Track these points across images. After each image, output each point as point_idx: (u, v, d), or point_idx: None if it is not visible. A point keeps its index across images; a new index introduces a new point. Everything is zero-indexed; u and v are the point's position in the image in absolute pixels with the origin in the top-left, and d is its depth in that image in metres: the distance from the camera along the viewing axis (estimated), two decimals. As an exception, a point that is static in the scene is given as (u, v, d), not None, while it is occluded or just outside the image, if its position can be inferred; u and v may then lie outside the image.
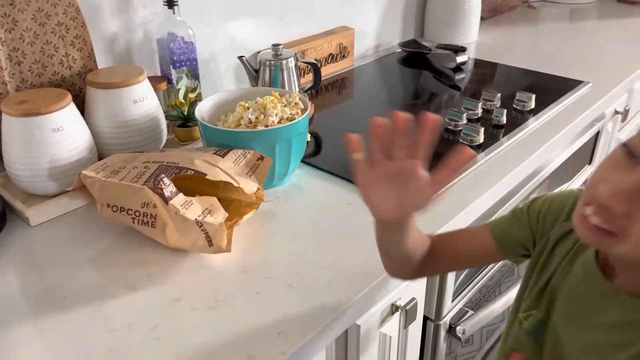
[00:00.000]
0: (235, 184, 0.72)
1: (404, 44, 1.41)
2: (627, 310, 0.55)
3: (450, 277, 0.82)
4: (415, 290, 0.77)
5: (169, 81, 0.97)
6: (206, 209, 0.69)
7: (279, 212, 0.79)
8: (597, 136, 1.20)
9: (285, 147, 0.80)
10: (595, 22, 1.75)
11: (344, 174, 0.87)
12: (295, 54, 1.04)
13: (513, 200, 0.95)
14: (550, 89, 1.17)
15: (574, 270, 0.62)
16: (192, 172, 0.72)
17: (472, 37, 1.51)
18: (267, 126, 0.80)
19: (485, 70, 1.35)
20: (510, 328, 0.70)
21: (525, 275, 0.71)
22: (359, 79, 1.32)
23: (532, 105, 1.08)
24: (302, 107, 0.85)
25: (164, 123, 0.90)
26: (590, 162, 1.24)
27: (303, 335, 0.59)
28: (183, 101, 0.97)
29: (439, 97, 1.23)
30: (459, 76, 1.29)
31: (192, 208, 0.68)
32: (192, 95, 0.98)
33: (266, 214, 0.79)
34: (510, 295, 0.96)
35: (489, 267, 0.95)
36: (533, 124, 1.03)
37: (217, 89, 1.12)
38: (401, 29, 1.50)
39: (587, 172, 1.24)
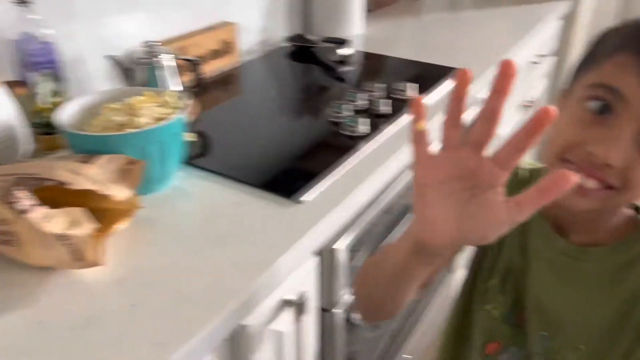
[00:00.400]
0: (104, 192, 0.68)
1: (289, 39, 1.41)
2: (599, 261, 0.58)
3: (343, 264, 0.83)
4: (305, 282, 0.76)
5: (27, 85, 0.89)
6: (71, 220, 0.64)
7: (159, 218, 0.75)
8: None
9: (159, 149, 0.76)
10: (473, 12, 1.85)
11: (230, 172, 0.85)
12: (172, 50, 1.00)
13: (398, 181, 0.97)
14: (429, 77, 1.22)
15: (531, 244, 0.63)
16: (54, 182, 0.66)
17: (358, 29, 1.54)
18: (136, 128, 0.76)
19: (371, 62, 1.38)
20: (466, 320, 0.69)
21: (472, 267, 0.70)
22: (246, 75, 1.30)
23: (412, 93, 1.11)
24: (178, 106, 0.82)
25: (22, 132, 0.83)
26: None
27: (180, 344, 0.56)
28: (46, 106, 0.90)
29: (326, 90, 1.24)
30: (344, 69, 1.31)
31: (55, 221, 0.62)
32: (55, 100, 0.91)
33: (145, 221, 0.74)
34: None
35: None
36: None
37: (88, 91, 1.05)
38: (287, 23, 1.49)
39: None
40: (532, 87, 1.83)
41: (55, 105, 0.91)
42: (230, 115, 1.09)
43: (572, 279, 0.61)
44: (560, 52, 2.01)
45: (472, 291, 0.69)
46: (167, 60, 0.98)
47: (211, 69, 1.23)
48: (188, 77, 1.05)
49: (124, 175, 0.72)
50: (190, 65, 1.04)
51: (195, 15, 1.23)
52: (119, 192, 0.69)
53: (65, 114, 0.79)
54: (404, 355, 1.30)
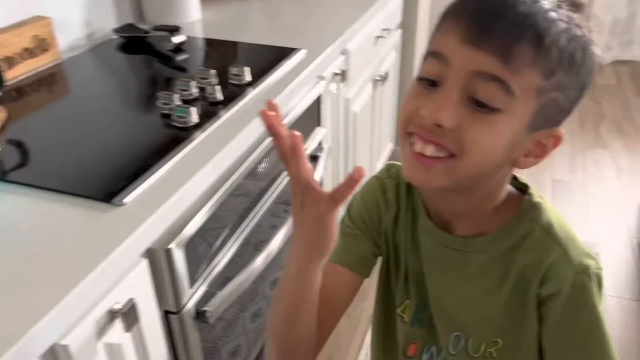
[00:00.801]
0: None
1: (118, 30, 1.31)
2: (483, 250, 0.58)
3: (180, 262, 0.79)
4: (134, 290, 0.71)
5: None
6: None
7: (-50, 244, 0.66)
8: (319, 99, 1.28)
9: (-57, 165, 0.67)
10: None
11: (41, 182, 0.77)
12: (-39, 53, 0.88)
13: (244, 167, 0.95)
14: (268, 59, 1.21)
15: (421, 244, 0.63)
16: None
17: (195, 15, 1.48)
18: None
19: (211, 48, 1.34)
20: (387, 328, 0.69)
21: (381, 275, 0.69)
22: (70, 73, 1.19)
23: (248, 77, 1.09)
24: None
25: None
26: (319, 124, 1.32)
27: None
28: None
29: (161, 81, 1.17)
30: (180, 57, 1.25)
31: None
32: None
33: None
34: (259, 262, 0.97)
35: (228, 245, 0.95)
36: (251, 95, 1.04)
37: None
38: (116, 13, 1.39)
39: (320, 133, 1.32)
40: (382, 61, 1.89)
41: None
42: (49, 119, 0.99)
43: (464, 273, 0.61)
44: (405, 24, 2.10)
45: (385, 298, 0.70)
46: (-43, 64, 0.86)
47: (25, 70, 1.11)
48: (-9, 81, 0.94)
49: None
50: (-10, 67, 0.92)
51: (0, 11, 1.10)
52: None
53: None
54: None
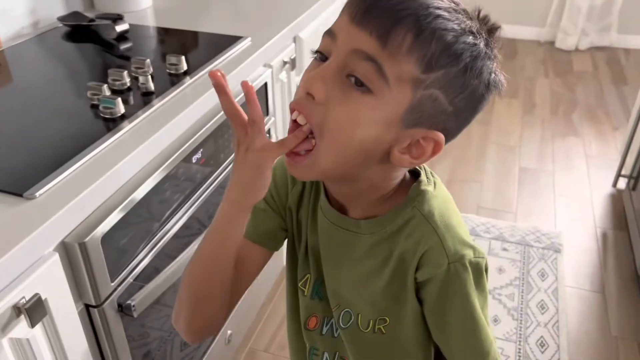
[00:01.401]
0: None
1: (63, 18, 1.29)
2: (371, 232, 0.59)
3: (98, 256, 0.78)
4: (45, 285, 0.71)
5: None
6: None
7: None
8: (266, 87, 1.27)
9: None
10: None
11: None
12: None
13: (175, 157, 0.94)
14: (211, 48, 1.20)
15: (319, 223, 0.64)
16: None
17: (145, 2, 1.46)
18: None
19: (156, 37, 1.32)
20: (295, 301, 0.70)
21: (288, 250, 0.71)
22: (14, 62, 1.17)
23: (185, 66, 1.08)
24: None
25: None
26: (267, 113, 1.32)
27: None
28: None
29: (104, 69, 1.16)
30: (124, 46, 1.23)
31: None
32: None
33: None
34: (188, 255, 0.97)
35: (156, 238, 0.95)
36: (187, 84, 1.03)
37: None
38: (63, 2, 1.37)
39: (269, 122, 1.32)
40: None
41: None
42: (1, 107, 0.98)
43: (352, 253, 0.62)
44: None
45: (290, 272, 0.71)
46: None
47: (-41, 59, 1.10)
48: None
49: None
50: None
51: None
52: None
53: None
54: (228, 331, 1.31)
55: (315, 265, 0.68)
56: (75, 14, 1.31)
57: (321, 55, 0.53)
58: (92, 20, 1.27)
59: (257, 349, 1.49)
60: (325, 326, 0.70)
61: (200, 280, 0.62)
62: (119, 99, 0.91)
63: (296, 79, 1.45)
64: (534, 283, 1.71)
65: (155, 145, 0.89)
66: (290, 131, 0.54)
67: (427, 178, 0.61)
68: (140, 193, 0.86)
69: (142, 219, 0.89)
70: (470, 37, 0.51)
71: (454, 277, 0.56)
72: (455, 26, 0.50)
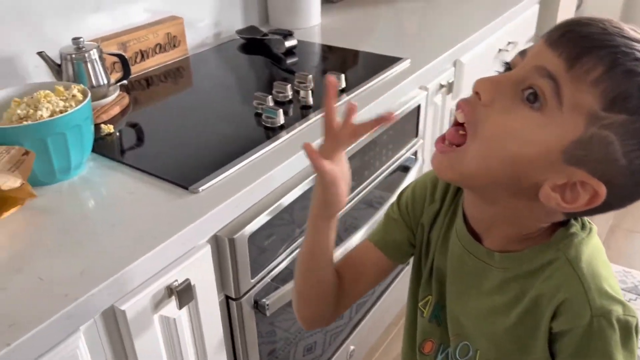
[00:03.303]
0: (-9, 181, 0.71)
1: (241, 31, 1.42)
2: (504, 267, 0.57)
3: (243, 253, 0.84)
4: (195, 272, 0.78)
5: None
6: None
7: (56, 207, 0.79)
8: (418, 109, 1.26)
9: (60, 140, 0.79)
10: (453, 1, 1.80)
11: (137, 163, 0.88)
12: (99, 46, 1.03)
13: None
14: (369, 67, 1.22)
15: (451, 246, 0.64)
16: (-59, 171, 0.70)
17: (315, 20, 1.54)
18: (35, 120, 0.79)
19: (319, 54, 1.39)
20: (414, 322, 0.71)
21: (413, 267, 0.71)
22: (196, 68, 1.32)
23: (343, 84, 1.12)
24: (81, 99, 0.84)
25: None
26: (417, 135, 1.30)
27: (34, 325, 0.59)
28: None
29: (270, 81, 1.25)
30: (290, 60, 1.32)
31: None
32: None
33: (41, 210, 0.78)
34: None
35: (298, 241, 0.99)
36: (343, 100, 1.07)
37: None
38: (243, 16, 1.51)
39: (416, 144, 1.31)
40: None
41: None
42: (163, 108, 1.12)
43: (480, 284, 0.60)
44: (538, 39, 1.96)
45: (413, 290, 0.71)
46: (94, 55, 1.01)
47: (155, 63, 1.26)
48: (119, 72, 1.08)
49: (16, 165, 0.75)
50: (120, 60, 1.07)
51: (141, 10, 1.26)
52: (9, 181, 0.73)
53: (-21, 108, 0.84)
54: (351, 346, 1.32)
55: (439, 288, 0.65)
56: (251, 28, 1.43)
57: (507, 66, 0.53)
58: (265, 34, 1.38)
59: (376, 369, 1.48)
60: (440, 354, 0.67)
61: (300, 280, 0.68)
62: (281, 111, 0.98)
63: (451, 103, 1.42)
64: None
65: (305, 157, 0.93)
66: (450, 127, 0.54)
67: (581, 224, 0.56)
68: (288, 199, 0.91)
69: (285, 223, 0.94)
70: None
71: (597, 333, 0.50)
72: None
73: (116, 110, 1.04)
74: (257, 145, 0.92)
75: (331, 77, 0.57)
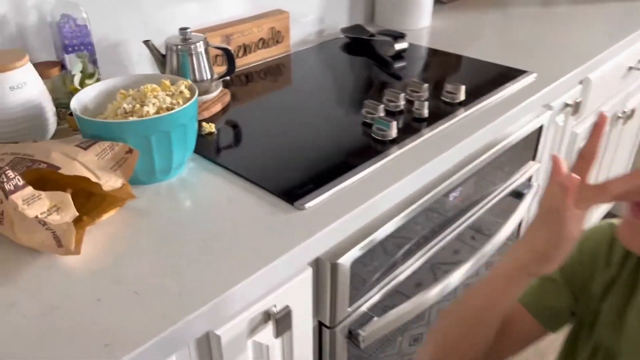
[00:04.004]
0: (93, 179, 0.67)
1: (346, 30, 1.34)
2: None
3: (344, 279, 0.76)
4: (293, 297, 0.71)
5: (63, 66, 0.91)
6: (54, 205, 0.63)
7: (154, 210, 0.74)
8: (540, 130, 1.13)
9: (164, 139, 0.74)
10: (568, 7, 1.64)
11: (237, 167, 0.81)
12: (205, 38, 0.98)
13: (431, 196, 0.88)
14: (490, 79, 1.10)
15: (629, 323, 0.53)
16: (45, 165, 0.66)
17: (425, 22, 1.43)
18: (141, 117, 0.74)
19: (430, 59, 1.28)
20: None
21: (567, 341, 0.61)
22: (293, 66, 1.25)
23: (462, 96, 1.00)
24: (188, 95, 0.79)
25: (50, 111, 0.85)
26: (534, 158, 1.17)
27: (130, 349, 0.53)
28: (79, 87, 0.92)
29: (373, 87, 1.16)
30: (398, 64, 1.22)
31: (37, 204, 0.62)
32: (89, 82, 0.92)
33: (139, 212, 0.73)
34: (425, 298, 0.90)
35: (400, 270, 0.89)
36: (460, 116, 0.96)
37: (123, 75, 1.06)
38: (348, 13, 1.42)
39: (531, 168, 1.17)
40: (630, 97, 1.60)
41: (87, 86, 0.93)
42: (263, 107, 1.05)
43: None
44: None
45: None
46: (200, 48, 0.96)
47: (256, 58, 1.20)
48: (223, 67, 1.03)
49: (119, 163, 0.70)
50: (225, 54, 1.01)
51: (246, 2, 1.20)
52: (110, 181, 0.68)
53: (85, 97, 0.80)
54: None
55: None
56: (357, 27, 1.35)
57: None
58: (372, 35, 1.29)
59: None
60: None
61: (453, 329, 0.57)
62: (394, 123, 0.88)
63: (574, 124, 1.27)
64: None
65: (417, 179, 0.83)
66: (631, 216, 0.42)
67: None
68: (392, 225, 0.82)
69: (388, 251, 0.85)
70: None
71: None
72: None
73: (217, 107, 0.98)
74: (365, 160, 0.83)
75: (603, 114, 0.47)
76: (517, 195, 1.13)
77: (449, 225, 0.99)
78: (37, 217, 0.61)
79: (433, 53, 1.30)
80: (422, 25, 1.42)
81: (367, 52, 1.29)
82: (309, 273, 0.72)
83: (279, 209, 0.73)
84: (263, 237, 0.68)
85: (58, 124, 0.89)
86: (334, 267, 0.74)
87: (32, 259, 0.65)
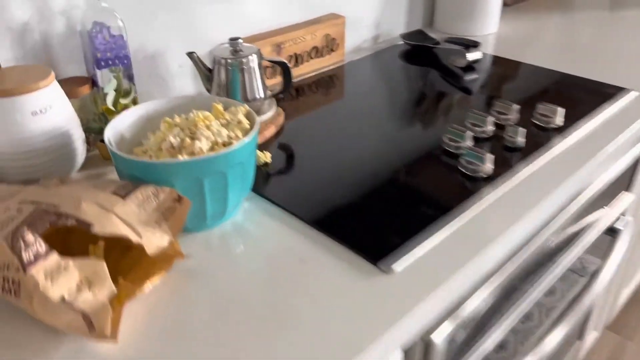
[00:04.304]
0: (134, 238, 0.53)
1: (406, 36, 1.19)
2: None
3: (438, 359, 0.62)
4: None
5: (94, 83, 0.78)
6: (84, 279, 0.49)
7: (206, 270, 0.59)
8: (636, 163, 0.97)
9: (219, 181, 0.60)
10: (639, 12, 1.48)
11: (302, 212, 0.67)
12: (259, 50, 0.83)
13: (534, 249, 0.73)
14: (583, 98, 0.94)
15: None
16: (74, 221, 0.52)
17: (492, 28, 1.27)
18: (192, 154, 0.60)
19: (505, 71, 1.12)
20: None
21: None
22: (350, 77, 1.10)
23: (560, 121, 0.85)
24: (247, 126, 0.65)
25: (78, 139, 0.71)
26: (628, 188, 1.01)
27: None
28: (113, 108, 0.78)
29: (445, 105, 1.00)
30: (470, 77, 1.06)
31: (64, 278, 0.49)
32: (124, 102, 0.79)
33: (187, 272, 0.59)
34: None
35: (490, 337, 0.74)
36: (559, 147, 0.81)
37: (169, 91, 0.93)
38: (406, 17, 1.27)
39: (623, 199, 1.01)
40: None
41: (122, 107, 0.79)
42: (320, 130, 0.90)
43: None
44: None
45: None
46: (253, 61, 0.82)
47: (308, 69, 1.06)
48: (272, 80, 0.89)
49: (165, 215, 0.56)
50: (282, 68, 0.87)
51: (297, 6, 1.06)
52: (155, 239, 0.54)
53: (121, 125, 0.66)
54: None
55: None
56: (419, 33, 1.19)
57: None
58: (436, 42, 1.14)
59: None
60: None
61: None
62: (488, 156, 0.73)
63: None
64: None
65: (521, 228, 0.68)
66: None
67: None
68: (488, 289, 0.67)
69: (479, 317, 0.70)
70: None
71: None
72: None
73: (272, 130, 0.84)
74: (455, 206, 0.68)
75: None
76: (612, 232, 0.98)
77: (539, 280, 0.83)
78: (63, 298, 0.47)
79: (505, 63, 1.14)
80: (489, 32, 1.26)
81: (430, 61, 1.13)
82: (398, 358, 0.58)
83: (360, 272, 0.59)
84: (347, 315, 0.54)
85: (88, 150, 0.76)
86: (428, 345, 0.59)
87: (59, 342, 0.51)
